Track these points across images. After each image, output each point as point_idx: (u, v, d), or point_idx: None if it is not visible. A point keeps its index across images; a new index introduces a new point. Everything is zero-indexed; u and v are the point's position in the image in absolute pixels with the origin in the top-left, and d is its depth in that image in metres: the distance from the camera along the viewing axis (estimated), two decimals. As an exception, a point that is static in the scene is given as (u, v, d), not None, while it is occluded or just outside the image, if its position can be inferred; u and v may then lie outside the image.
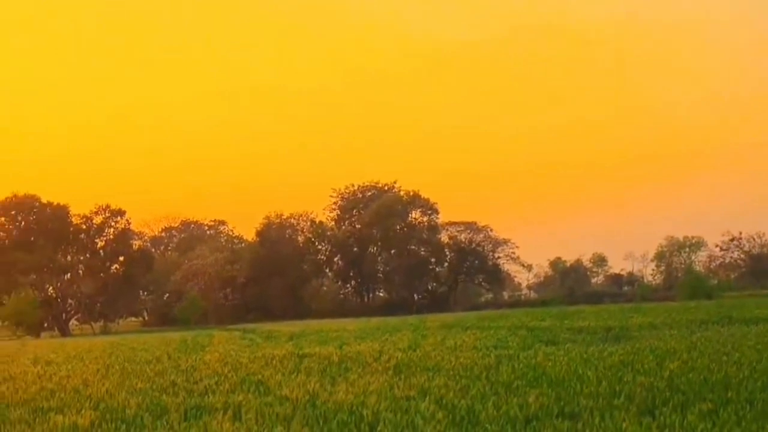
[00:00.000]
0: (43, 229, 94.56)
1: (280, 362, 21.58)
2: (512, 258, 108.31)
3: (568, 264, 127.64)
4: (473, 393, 14.12)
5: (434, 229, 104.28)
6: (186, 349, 31.09)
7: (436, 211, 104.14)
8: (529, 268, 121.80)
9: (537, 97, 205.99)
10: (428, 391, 14.56)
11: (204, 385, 16.91)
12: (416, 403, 13.18)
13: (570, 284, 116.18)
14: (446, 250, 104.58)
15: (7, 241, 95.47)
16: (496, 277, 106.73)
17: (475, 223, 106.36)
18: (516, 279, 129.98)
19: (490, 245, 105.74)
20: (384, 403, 13.34)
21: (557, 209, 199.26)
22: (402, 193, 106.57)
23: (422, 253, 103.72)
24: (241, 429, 11.79)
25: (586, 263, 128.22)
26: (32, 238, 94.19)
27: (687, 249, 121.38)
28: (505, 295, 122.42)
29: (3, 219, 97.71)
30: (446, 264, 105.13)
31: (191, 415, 13.30)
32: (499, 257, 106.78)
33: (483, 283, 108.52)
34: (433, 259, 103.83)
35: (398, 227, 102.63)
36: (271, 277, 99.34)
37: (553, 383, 15.03)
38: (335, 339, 33.27)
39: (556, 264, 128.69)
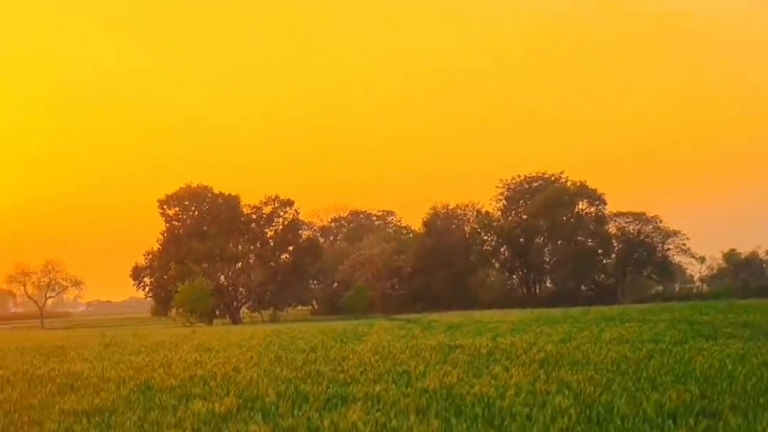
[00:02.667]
0: (215, 219, 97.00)
1: (429, 353, 21.60)
2: (683, 250, 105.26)
3: (742, 256, 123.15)
4: (614, 388, 13.85)
5: (601, 219, 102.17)
6: (343, 339, 31.45)
7: (604, 202, 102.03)
8: (702, 260, 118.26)
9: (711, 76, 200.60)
10: (569, 385, 14.36)
11: (349, 375, 17.10)
12: (552, 397, 13.01)
13: (744, 277, 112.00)
14: (614, 241, 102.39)
15: (181, 231, 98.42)
16: (666, 269, 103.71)
17: (644, 214, 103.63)
18: (688, 271, 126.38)
19: (660, 237, 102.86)
20: (520, 396, 13.22)
21: (733, 198, 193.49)
22: (569, 183, 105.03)
23: (589, 244, 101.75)
24: (376, 419, 11.86)
25: (763, 255, 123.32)
26: (205, 228, 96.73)
27: None
28: (677, 287, 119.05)
29: (177, 209, 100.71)
30: (613, 255, 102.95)
31: (331, 404, 13.46)
32: (668, 249, 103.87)
33: (653, 276, 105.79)
34: (600, 251, 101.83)
35: (565, 218, 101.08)
36: (437, 268, 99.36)
37: (700, 380, 14.60)
38: (491, 330, 33.13)
39: (730, 256, 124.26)
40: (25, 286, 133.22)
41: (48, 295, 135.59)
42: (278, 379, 16.72)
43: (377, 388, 14.63)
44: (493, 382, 15.08)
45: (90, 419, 12.88)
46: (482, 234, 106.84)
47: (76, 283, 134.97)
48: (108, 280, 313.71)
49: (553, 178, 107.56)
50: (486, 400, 13.03)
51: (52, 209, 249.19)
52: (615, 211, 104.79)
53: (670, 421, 10.96)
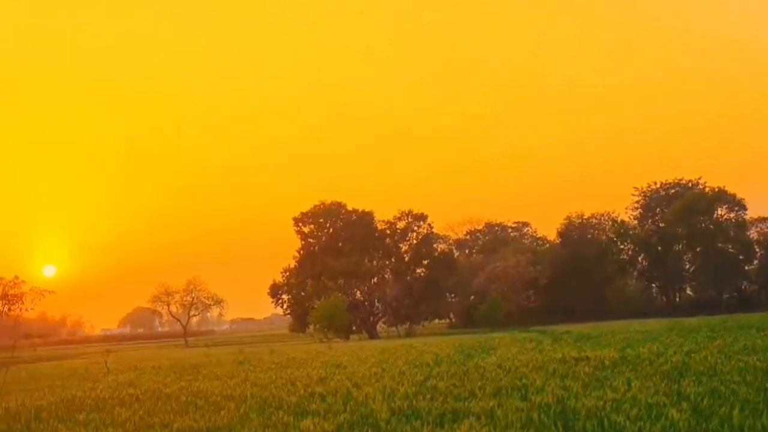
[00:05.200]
0: (350, 235, 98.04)
1: (553, 366, 21.30)
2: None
3: None
4: (734, 401, 13.41)
5: (742, 225, 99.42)
6: (471, 353, 31.29)
7: (744, 207, 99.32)
8: None
9: None
10: (688, 397, 13.98)
11: (467, 390, 16.97)
12: (668, 410, 12.69)
13: None
14: (756, 247, 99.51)
15: (316, 247, 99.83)
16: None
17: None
18: None
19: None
20: (635, 410, 12.93)
21: None
22: (707, 189, 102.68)
23: (730, 250, 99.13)
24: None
25: None
26: (340, 244, 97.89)
27: None
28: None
29: (312, 226, 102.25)
30: (756, 262, 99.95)
31: (443, 420, 13.40)
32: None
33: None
34: (741, 257, 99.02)
35: (704, 224, 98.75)
36: (573, 278, 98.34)
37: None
38: (622, 341, 32.50)
39: None
40: (168, 305, 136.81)
41: (191, 313, 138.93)
42: (396, 394, 16.71)
43: (492, 403, 14.49)
44: (610, 394, 14.77)
45: (202, 438, 13.17)
46: (619, 243, 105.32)
47: (218, 302, 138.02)
48: (250, 297, 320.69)
49: (690, 185, 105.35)
50: (599, 414, 12.79)
51: (194, 229, 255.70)
52: (756, 216, 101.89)
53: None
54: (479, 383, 17.98)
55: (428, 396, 16.15)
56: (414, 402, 15.27)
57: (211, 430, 13.81)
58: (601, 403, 13.77)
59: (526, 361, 23.38)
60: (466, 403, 14.87)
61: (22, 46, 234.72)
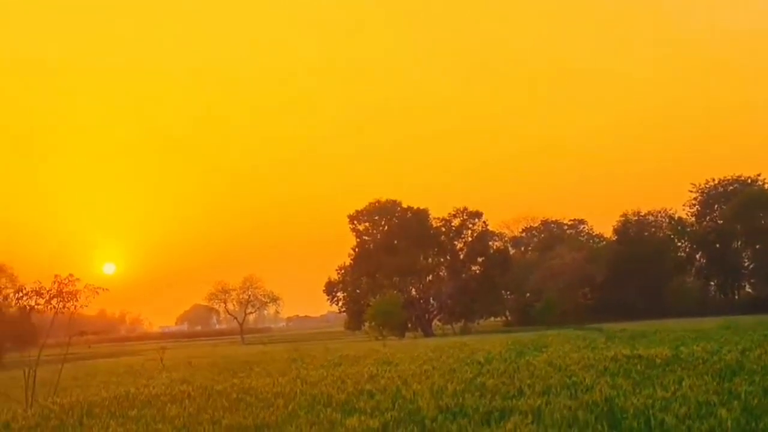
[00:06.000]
0: (405, 232, 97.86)
1: (604, 364, 21.13)
2: None
3: None
4: (786, 399, 13.24)
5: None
6: (523, 350, 31.19)
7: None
8: None
9: None
10: (739, 396, 13.81)
11: (516, 388, 16.89)
12: (717, 409, 12.54)
13: None
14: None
15: (371, 245, 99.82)
16: None
17: None
18: None
19: None
20: (684, 408, 12.80)
21: None
22: (766, 186, 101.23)
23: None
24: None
25: None
26: (395, 242, 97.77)
27: None
28: None
29: (367, 224, 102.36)
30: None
31: (490, 418, 13.36)
32: None
33: None
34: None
35: (763, 221, 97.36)
36: (630, 276, 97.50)
37: None
38: (676, 339, 32.22)
39: None
40: (225, 303, 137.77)
41: (248, 311, 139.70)
42: (444, 392, 16.67)
43: (539, 402, 14.41)
44: (660, 393, 14.63)
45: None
46: (676, 240, 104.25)
47: (274, 299, 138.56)
48: (306, 295, 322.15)
49: (749, 181, 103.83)
50: (648, 412, 12.67)
51: (250, 227, 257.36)
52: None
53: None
54: (528, 381, 17.89)
55: (476, 394, 16.10)
56: (461, 400, 15.22)
57: (259, 427, 13.89)
58: (650, 401, 13.65)
59: (577, 359, 23.24)
60: (514, 401, 14.82)
61: (66, 47, 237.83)
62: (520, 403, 14.54)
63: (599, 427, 11.90)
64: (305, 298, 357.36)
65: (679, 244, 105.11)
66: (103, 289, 22.89)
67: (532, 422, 12.58)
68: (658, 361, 20.85)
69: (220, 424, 14.41)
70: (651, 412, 12.63)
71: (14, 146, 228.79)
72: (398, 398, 16.25)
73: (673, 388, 15.24)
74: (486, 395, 15.83)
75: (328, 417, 14.32)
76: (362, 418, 13.72)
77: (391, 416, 13.71)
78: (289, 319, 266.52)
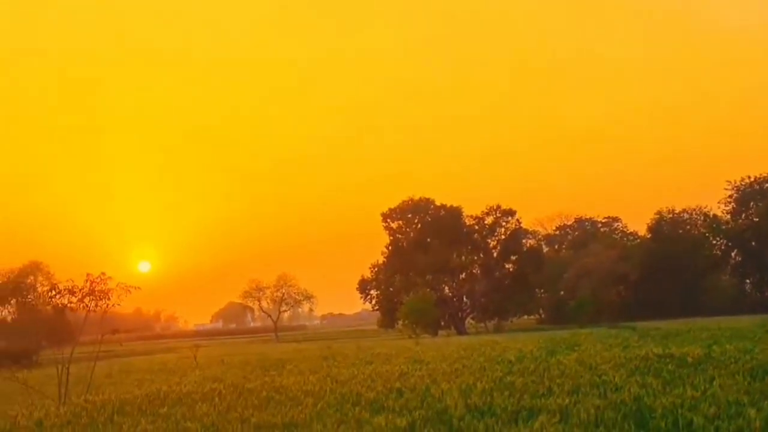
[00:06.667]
0: (438, 230, 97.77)
1: (635, 363, 21.03)
2: None
3: None
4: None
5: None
6: (554, 349, 31.10)
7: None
8: None
9: None
10: (768, 394, 13.75)
11: (545, 387, 16.86)
12: (746, 409, 12.46)
13: None
14: None
15: (404, 243, 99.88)
16: None
17: None
18: None
19: None
20: (713, 408, 12.73)
21: None
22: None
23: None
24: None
25: None
26: (428, 240, 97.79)
27: None
28: None
29: (400, 222, 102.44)
30: None
31: (518, 417, 13.36)
32: None
33: None
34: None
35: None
36: (664, 274, 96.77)
37: None
38: (710, 338, 32.01)
39: None
40: (259, 301, 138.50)
41: (282, 309, 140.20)
42: (473, 391, 16.65)
43: (567, 401, 14.38)
44: (690, 392, 14.55)
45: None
46: (711, 238, 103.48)
47: (308, 297, 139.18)
48: (341, 293, 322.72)
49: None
50: (676, 412, 12.62)
51: (286, 225, 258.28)
52: None
53: None
54: (558, 380, 17.85)
55: (505, 393, 16.06)
56: (490, 399, 15.21)
57: (288, 426, 13.97)
58: (679, 401, 13.58)
59: (608, 358, 23.13)
60: (543, 400, 14.80)
61: (103, 45, 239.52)
62: (548, 402, 14.53)
63: (626, 426, 11.89)
64: (340, 296, 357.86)
65: (714, 242, 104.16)
66: (135, 288, 23.10)
67: (560, 421, 12.57)
68: (690, 360, 20.71)
69: (249, 422, 14.50)
70: (679, 411, 12.58)
71: (56, 147, 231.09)
72: (427, 397, 16.27)
73: (703, 388, 15.15)
74: (515, 394, 15.80)
75: (356, 416, 14.36)
76: (390, 416, 13.76)
77: (419, 415, 13.73)
78: (323, 316, 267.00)
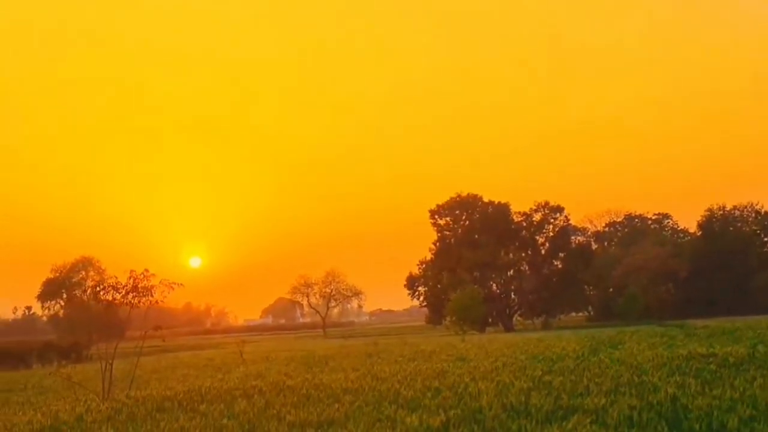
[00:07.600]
0: (486, 227, 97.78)
1: (676, 362, 20.85)
2: None
3: None
4: None
5: None
6: (597, 347, 30.92)
7: None
8: None
9: None
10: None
11: (583, 386, 16.77)
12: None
13: None
14: None
15: (452, 240, 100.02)
16: None
17: None
18: None
19: None
20: (750, 410, 12.63)
21: None
22: None
23: None
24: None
25: None
26: (476, 236, 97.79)
27: None
28: None
29: (448, 219, 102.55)
30: None
31: (553, 417, 13.32)
32: None
33: None
34: None
35: None
36: (714, 271, 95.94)
37: None
38: (756, 337, 31.66)
39: None
40: (308, 296, 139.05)
41: (330, 305, 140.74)
42: (510, 390, 16.62)
43: (604, 401, 14.31)
44: (729, 393, 14.43)
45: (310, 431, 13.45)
46: (762, 235, 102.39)
47: (356, 293, 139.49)
48: (390, 289, 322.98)
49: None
50: (712, 413, 12.53)
51: (335, 220, 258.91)
52: None
53: None
54: (597, 380, 17.74)
55: (543, 392, 16.00)
56: (526, 398, 15.16)
57: (323, 423, 14.03)
58: (717, 402, 13.48)
59: (650, 357, 22.93)
60: (579, 400, 14.71)
61: (146, 46, 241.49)
62: (585, 402, 14.44)
63: (660, 427, 11.83)
64: (389, 292, 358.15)
65: (766, 239, 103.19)
66: (178, 284, 23.33)
67: (593, 422, 12.54)
68: (732, 359, 20.50)
69: (285, 420, 14.58)
70: (715, 413, 12.49)
71: (110, 146, 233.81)
72: (464, 396, 16.25)
73: (742, 389, 15.01)
74: (552, 393, 15.74)
75: (391, 414, 14.39)
76: (424, 416, 13.76)
77: (454, 414, 13.73)
78: (372, 313, 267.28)
